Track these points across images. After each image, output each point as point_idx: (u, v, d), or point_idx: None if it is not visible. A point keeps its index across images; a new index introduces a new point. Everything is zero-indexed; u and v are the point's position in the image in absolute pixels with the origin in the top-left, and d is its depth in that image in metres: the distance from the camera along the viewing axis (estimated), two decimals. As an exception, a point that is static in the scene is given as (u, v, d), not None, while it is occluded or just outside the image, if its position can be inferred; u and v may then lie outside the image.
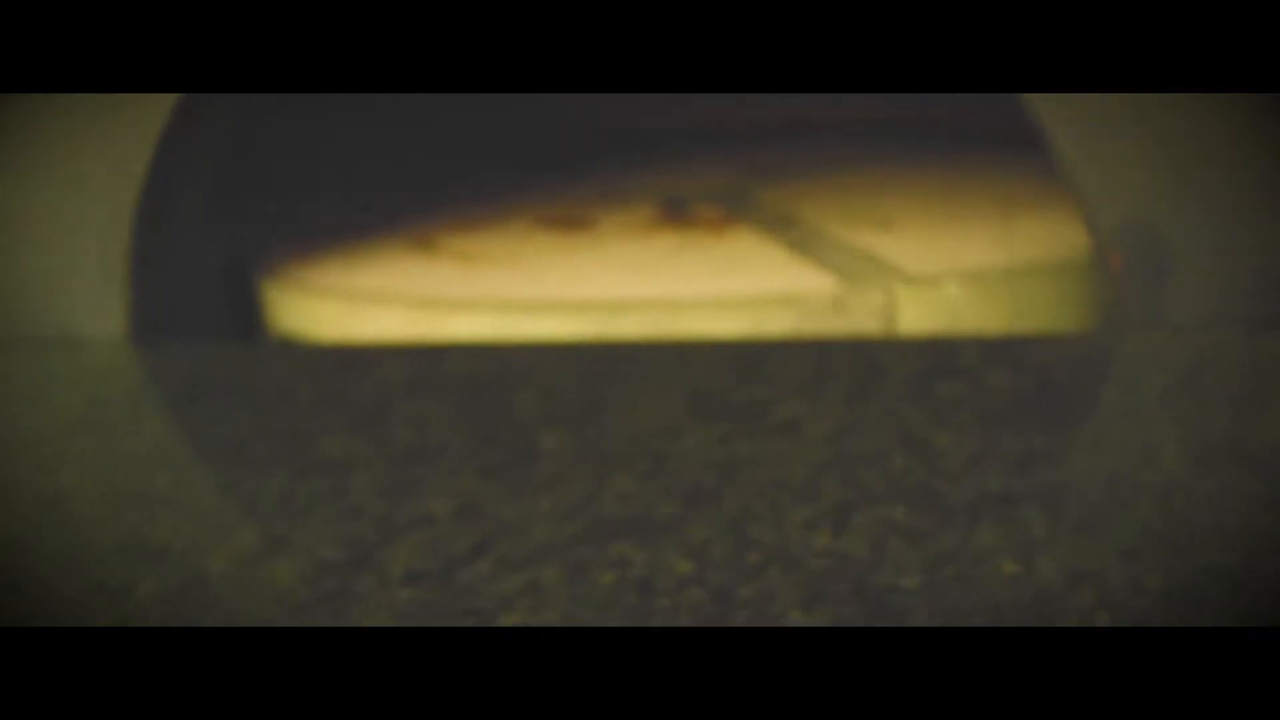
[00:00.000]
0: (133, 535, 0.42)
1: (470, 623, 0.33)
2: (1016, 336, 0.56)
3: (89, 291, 0.66)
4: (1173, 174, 0.50)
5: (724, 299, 0.61)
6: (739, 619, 0.32)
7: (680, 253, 0.72)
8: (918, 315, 0.61)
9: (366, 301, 0.68)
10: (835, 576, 0.34)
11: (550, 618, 0.33)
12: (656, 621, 0.32)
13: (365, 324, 0.68)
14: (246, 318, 0.75)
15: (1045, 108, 0.51)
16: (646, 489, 0.42)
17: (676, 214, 0.83)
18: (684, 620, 0.32)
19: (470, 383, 0.54)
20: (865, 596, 0.33)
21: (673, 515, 0.39)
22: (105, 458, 0.50)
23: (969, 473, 0.41)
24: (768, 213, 0.79)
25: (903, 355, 0.52)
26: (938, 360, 0.51)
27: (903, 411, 0.46)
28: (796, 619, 0.31)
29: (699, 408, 0.48)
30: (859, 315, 0.61)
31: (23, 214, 0.66)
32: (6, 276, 0.65)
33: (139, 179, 0.65)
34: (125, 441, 0.52)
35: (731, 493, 0.41)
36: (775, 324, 0.61)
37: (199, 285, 0.73)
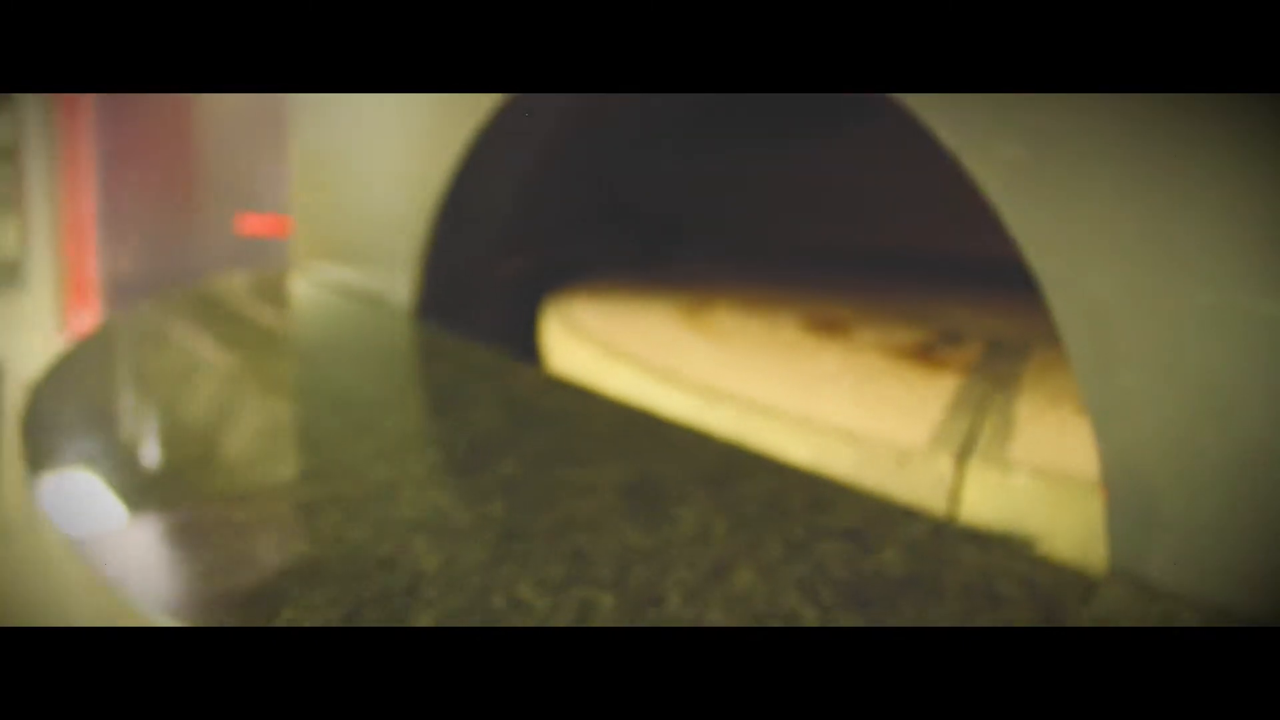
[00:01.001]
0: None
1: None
2: (998, 540, 0.51)
3: (389, 264, 0.84)
4: (1189, 418, 0.44)
5: (802, 420, 0.63)
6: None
7: (870, 378, 0.73)
8: (983, 499, 0.58)
9: (578, 339, 0.79)
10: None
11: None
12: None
13: (568, 361, 0.79)
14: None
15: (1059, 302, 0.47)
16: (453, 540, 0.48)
17: (929, 347, 0.83)
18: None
19: (534, 413, 0.63)
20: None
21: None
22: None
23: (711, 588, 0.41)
24: (1008, 370, 0.77)
25: (849, 518, 0.51)
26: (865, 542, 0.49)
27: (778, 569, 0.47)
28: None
29: (626, 499, 0.52)
30: (921, 481, 0.59)
31: (350, 178, 0.86)
32: (333, 231, 0.86)
33: (451, 168, 0.80)
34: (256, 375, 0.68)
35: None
36: (839, 460, 0.61)
37: (495, 284, 0.89)
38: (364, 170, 0.85)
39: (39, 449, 0.52)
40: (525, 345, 0.83)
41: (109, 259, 1.58)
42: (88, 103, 1.53)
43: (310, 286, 0.88)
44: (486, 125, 0.76)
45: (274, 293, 0.88)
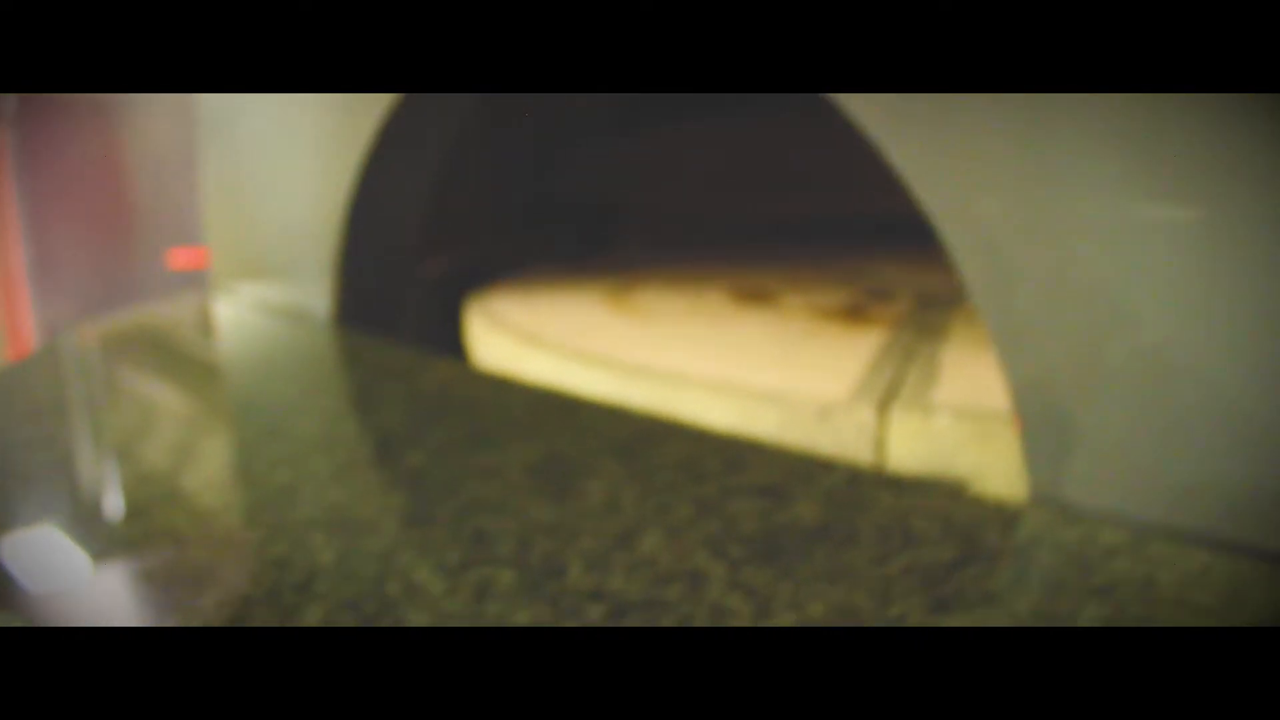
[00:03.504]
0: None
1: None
2: (912, 480, 0.50)
3: (305, 276, 0.83)
4: (1090, 333, 0.43)
5: (721, 385, 0.61)
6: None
7: (796, 340, 0.72)
8: (908, 444, 0.57)
9: (498, 331, 0.77)
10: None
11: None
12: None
13: (489, 354, 0.78)
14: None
15: (953, 237, 0.46)
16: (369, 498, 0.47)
17: (857, 306, 0.82)
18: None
19: (446, 405, 0.61)
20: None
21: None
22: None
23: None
24: (936, 321, 0.76)
25: (769, 469, 0.50)
26: (785, 486, 0.48)
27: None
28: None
29: (533, 478, 0.51)
30: (845, 433, 0.58)
31: (258, 195, 0.84)
32: (248, 252, 0.84)
33: (353, 176, 0.78)
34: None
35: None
36: (761, 422, 0.60)
37: (411, 287, 0.87)
38: (271, 186, 0.84)
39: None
40: (452, 345, 0.81)
41: (44, 308, 1.54)
42: (5, 156, 1.49)
43: (230, 307, 0.86)
44: (383, 128, 0.75)
45: (192, 316, 0.85)
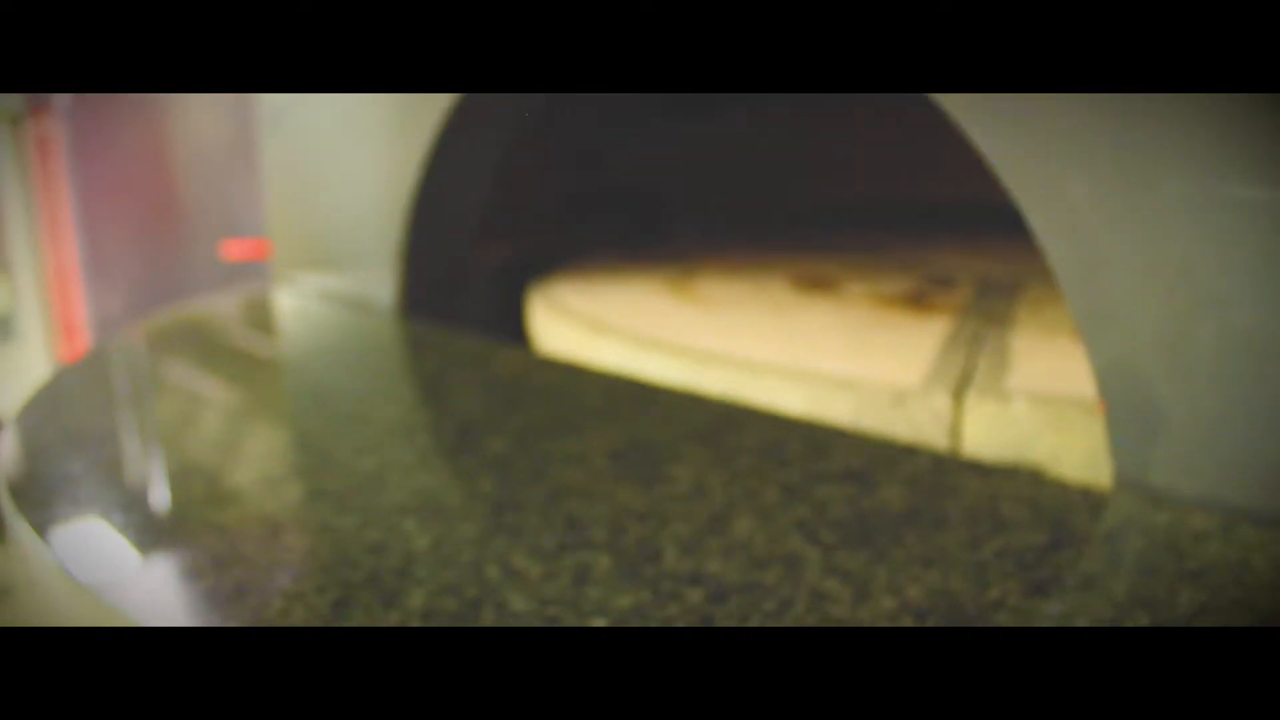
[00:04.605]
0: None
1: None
2: (994, 469, 0.50)
3: (369, 266, 0.84)
4: (1178, 316, 0.43)
5: (795, 372, 0.62)
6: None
7: (861, 327, 0.72)
8: (984, 432, 0.57)
9: (564, 319, 0.78)
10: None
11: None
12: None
13: (555, 342, 0.78)
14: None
15: (1035, 213, 0.46)
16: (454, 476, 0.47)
17: (919, 294, 0.82)
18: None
19: (522, 392, 0.62)
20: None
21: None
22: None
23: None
24: (1000, 308, 0.76)
25: (844, 455, 0.50)
26: (868, 477, 0.48)
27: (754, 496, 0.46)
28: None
29: (618, 463, 0.51)
30: (921, 419, 0.58)
31: (321, 186, 0.85)
32: (311, 243, 0.85)
33: (417, 167, 0.79)
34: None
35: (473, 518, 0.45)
36: (836, 408, 0.60)
37: (472, 276, 0.88)
38: (334, 176, 0.85)
39: (25, 477, 0.52)
40: (513, 332, 0.82)
41: (97, 302, 1.57)
42: (60, 151, 1.52)
43: (293, 298, 0.87)
44: (449, 118, 0.75)
45: (256, 307, 0.87)
